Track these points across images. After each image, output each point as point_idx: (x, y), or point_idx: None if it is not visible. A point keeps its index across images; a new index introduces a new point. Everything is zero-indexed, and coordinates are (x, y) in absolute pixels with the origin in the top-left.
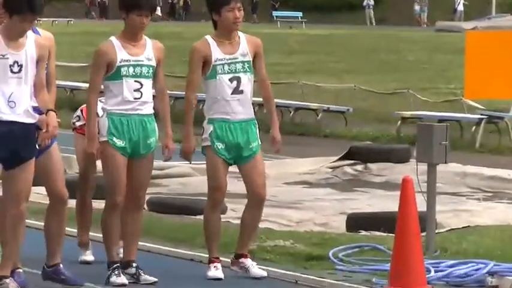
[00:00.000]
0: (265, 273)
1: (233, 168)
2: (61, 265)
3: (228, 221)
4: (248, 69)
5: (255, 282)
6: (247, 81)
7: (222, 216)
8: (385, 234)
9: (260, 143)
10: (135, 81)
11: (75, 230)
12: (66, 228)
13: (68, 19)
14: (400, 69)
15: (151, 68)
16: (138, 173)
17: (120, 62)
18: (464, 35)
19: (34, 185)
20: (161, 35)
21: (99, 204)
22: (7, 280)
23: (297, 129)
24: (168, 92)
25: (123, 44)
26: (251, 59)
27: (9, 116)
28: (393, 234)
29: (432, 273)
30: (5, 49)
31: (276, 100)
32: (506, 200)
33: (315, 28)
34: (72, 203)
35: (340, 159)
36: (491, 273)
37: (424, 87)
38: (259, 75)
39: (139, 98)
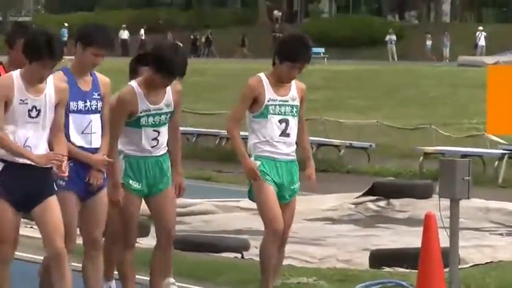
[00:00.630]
0: None
1: (254, 205)
2: None
3: (251, 258)
4: (296, 114)
5: None
6: (294, 125)
7: (245, 253)
8: (408, 270)
9: (299, 183)
10: (154, 130)
11: None
12: None
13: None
14: (422, 105)
15: (169, 114)
16: (163, 206)
17: (141, 112)
18: (486, 69)
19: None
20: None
21: None
22: None
23: (320, 166)
24: (191, 128)
25: (145, 92)
26: (299, 104)
27: (24, 160)
28: (416, 270)
29: None
30: (25, 94)
31: None
32: None
33: (337, 64)
34: None
35: (363, 195)
36: None
37: (446, 122)
38: (301, 119)
39: (156, 146)
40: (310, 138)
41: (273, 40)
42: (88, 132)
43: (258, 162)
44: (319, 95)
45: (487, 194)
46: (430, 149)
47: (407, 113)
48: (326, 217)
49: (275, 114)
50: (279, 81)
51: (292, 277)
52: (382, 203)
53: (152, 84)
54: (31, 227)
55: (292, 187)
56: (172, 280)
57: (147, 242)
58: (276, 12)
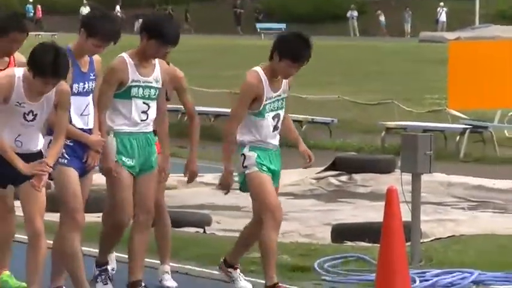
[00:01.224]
0: (250, 286)
1: (217, 181)
2: None
3: (213, 233)
4: (284, 105)
5: None
6: (282, 117)
7: (207, 228)
8: (370, 244)
9: None
10: (144, 103)
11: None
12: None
13: (52, 33)
14: (384, 80)
15: (157, 91)
16: (145, 188)
17: (131, 82)
18: (447, 45)
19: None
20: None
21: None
22: None
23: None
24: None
25: (136, 63)
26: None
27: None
28: (378, 245)
29: (417, 283)
30: (23, 98)
31: None
32: (491, 209)
33: None
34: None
35: (325, 170)
36: (476, 283)
37: (408, 97)
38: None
39: (145, 120)
40: None
41: (234, 16)
42: (86, 114)
43: (255, 154)
44: None
45: (448, 169)
46: (392, 124)
47: (369, 88)
48: (288, 192)
49: (270, 111)
50: (274, 76)
51: (254, 251)
52: (344, 178)
53: (144, 55)
54: None
55: (280, 171)
56: (167, 268)
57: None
58: None
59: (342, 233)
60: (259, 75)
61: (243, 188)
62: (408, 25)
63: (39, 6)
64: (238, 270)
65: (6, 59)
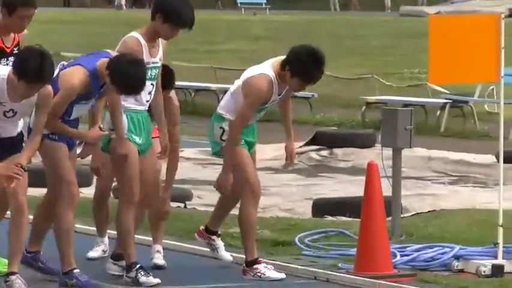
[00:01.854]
0: (231, 258)
1: (198, 155)
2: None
3: (194, 208)
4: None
5: (220, 266)
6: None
7: (188, 203)
8: (351, 219)
9: None
10: (151, 84)
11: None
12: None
13: None
14: (364, 55)
15: (158, 70)
16: (145, 166)
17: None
18: (427, 19)
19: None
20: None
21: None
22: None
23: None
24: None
25: (147, 43)
26: None
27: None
28: (359, 219)
29: (398, 257)
30: (4, 97)
31: None
32: (471, 184)
33: (279, 14)
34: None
35: (305, 144)
36: (457, 257)
37: (388, 72)
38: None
39: (149, 100)
40: None
41: None
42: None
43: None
44: (262, 45)
45: (429, 143)
46: (372, 98)
47: (350, 62)
48: (268, 167)
49: (263, 110)
50: (285, 82)
51: (234, 226)
52: (325, 153)
53: (155, 35)
54: None
55: (255, 141)
56: (158, 247)
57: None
58: None
59: (322, 207)
60: (271, 83)
61: (217, 155)
62: None
63: None
64: (220, 239)
65: (12, 35)
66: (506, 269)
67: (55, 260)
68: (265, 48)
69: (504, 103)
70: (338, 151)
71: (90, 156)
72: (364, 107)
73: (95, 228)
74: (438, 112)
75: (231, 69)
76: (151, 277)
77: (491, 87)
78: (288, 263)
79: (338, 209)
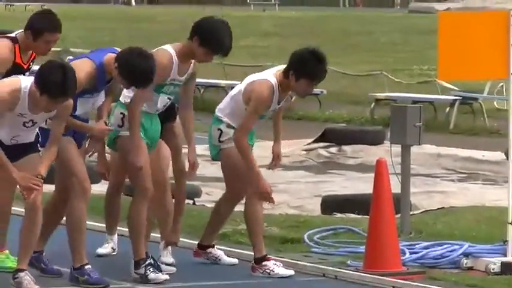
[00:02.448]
0: (236, 261)
1: (207, 152)
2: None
3: (203, 205)
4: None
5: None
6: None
7: (196, 199)
8: (360, 216)
9: None
10: (168, 98)
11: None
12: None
13: (41, 3)
14: (373, 51)
15: (180, 87)
16: (153, 164)
17: (170, 81)
18: (437, 16)
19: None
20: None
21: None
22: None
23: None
24: None
25: (178, 62)
26: None
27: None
28: (368, 216)
29: (407, 255)
30: (25, 110)
31: None
32: (480, 181)
33: (288, 10)
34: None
35: (315, 141)
36: (466, 255)
37: (397, 68)
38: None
39: (159, 111)
40: None
41: None
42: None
43: (232, 131)
44: (271, 41)
45: (438, 140)
46: (381, 95)
47: (359, 59)
48: None
49: (262, 118)
50: (286, 91)
51: (243, 223)
52: (334, 149)
53: (190, 56)
54: None
55: (253, 140)
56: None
57: (99, 188)
58: None
59: (331, 204)
60: (273, 89)
61: (215, 158)
62: None
63: None
64: (216, 247)
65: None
66: None
67: (57, 256)
68: (275, 44)
69: None
70: (347, 148)
71: (96, 155)
72: (373, 104)
73: (104, 225)
74: (447, 109)
75: (240, 66)
76: (160, 273)
77: (501, 84)
78: (297, 260)
79: (347, 206)
